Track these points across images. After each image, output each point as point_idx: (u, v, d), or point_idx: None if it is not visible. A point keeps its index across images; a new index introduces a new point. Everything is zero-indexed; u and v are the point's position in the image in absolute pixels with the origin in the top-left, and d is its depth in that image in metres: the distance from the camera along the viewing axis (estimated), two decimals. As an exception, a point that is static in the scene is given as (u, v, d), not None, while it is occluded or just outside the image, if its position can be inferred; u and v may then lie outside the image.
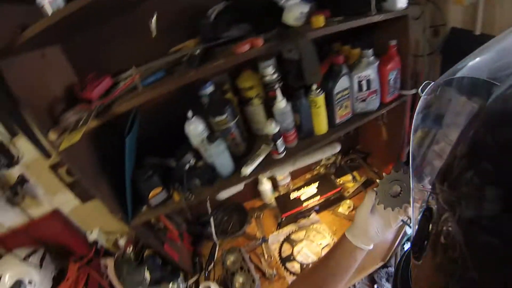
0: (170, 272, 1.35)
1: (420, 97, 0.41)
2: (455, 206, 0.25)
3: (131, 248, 1.35)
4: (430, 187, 0.35)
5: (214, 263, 1.51)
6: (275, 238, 1.54)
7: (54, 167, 1.32)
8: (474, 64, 0.34)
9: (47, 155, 0.88)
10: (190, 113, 1.01)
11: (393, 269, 2.13)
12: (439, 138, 0.40)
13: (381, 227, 0.69)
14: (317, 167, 1.79)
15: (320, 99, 1.06)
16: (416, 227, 0.34)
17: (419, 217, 0.33)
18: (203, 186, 1.10)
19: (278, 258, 1.44)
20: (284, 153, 1.11)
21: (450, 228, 0.25)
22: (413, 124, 0.42)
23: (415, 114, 0.41)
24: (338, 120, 1.15)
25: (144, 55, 1.00)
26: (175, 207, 1.08)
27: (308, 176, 1.79)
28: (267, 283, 1.37)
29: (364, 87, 1.11)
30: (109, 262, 1.44)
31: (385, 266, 2.20)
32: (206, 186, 1.10)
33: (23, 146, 1.18)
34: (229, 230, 1.66)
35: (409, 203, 0.66)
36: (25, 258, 1.30)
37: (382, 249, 1.94)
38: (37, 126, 0.81)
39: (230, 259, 1.45)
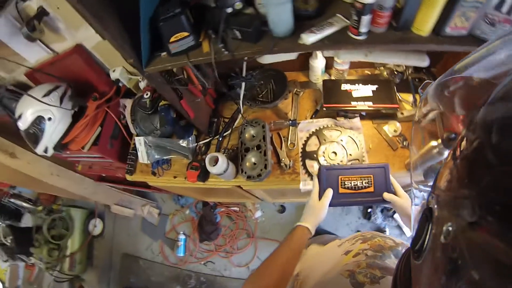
0: (183, 128, 1.23)
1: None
2: (456, 204, 0.25)
3: (149, 94, 1.20)
4: (430, 186, 0.32)
5: (232, 130, 1.38)
6: (306, 126, 1.35)
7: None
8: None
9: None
10: None
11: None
12: None
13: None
14: (382, 68, 1.41)
15: (443, -12, 0.67)
16: (416, 226, 0.32)
17: (419, 217, 0.32)
18: (244, 41, 0.84)
19: (300, 150, 1.30)
20: (365, 36, 0.79)
21: (450, 228, 0.24)
22: None
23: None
24: (448, 30, 0.76)
25: None
26: (201, 60, 0.87)
27: (367, 72, 1.45)
28: (279, 172, 1.27)
29: (506, 7, 0.67)
30: (128, 103, 1.35)
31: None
32: (247, 42, 0.84)
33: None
34: (260, 97, 1.46)
35: None
36: (46, 95, 1.27)
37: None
38: None
39: (250, 132, 1.32)
